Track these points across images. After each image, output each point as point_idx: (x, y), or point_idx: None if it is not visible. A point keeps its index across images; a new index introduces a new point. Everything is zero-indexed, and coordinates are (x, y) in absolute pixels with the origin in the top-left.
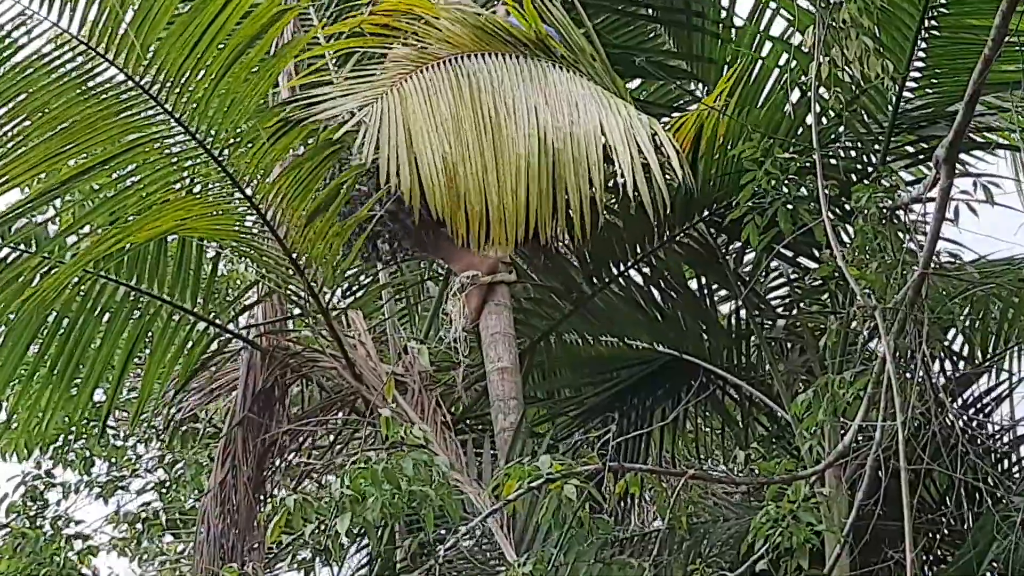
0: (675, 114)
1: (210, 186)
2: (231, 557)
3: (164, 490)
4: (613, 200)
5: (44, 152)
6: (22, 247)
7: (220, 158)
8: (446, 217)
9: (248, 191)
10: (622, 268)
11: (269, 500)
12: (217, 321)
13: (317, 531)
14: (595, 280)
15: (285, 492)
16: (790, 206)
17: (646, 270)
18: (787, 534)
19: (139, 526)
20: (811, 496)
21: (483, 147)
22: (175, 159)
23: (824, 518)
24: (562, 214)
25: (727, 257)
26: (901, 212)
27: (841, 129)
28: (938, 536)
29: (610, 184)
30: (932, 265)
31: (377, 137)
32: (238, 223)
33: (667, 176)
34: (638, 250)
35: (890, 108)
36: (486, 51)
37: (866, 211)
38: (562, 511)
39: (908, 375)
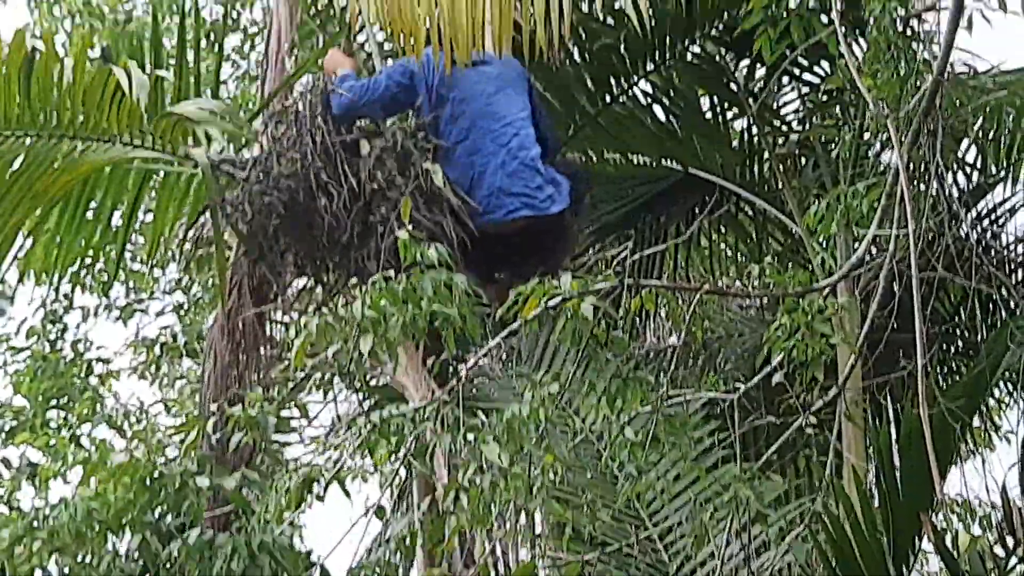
0: None
1: None
2: (240, 385)
3: (183, 312)
4: (610, 18)
5: None
6: None
7: None
8: (385, 26)
9: None
10: (626, 86)
11: (280, 323)
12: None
13: (340, 351)
14: (601, 98)
15: (298, 315)
16: (801, 17)
17: (652, 87)
18: (801, 346)
19: (157, 350)
20: (825, 308)
21: None
22: None
23: (838, 330)
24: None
25: (736, 74)
26: (915, 22)
27: None
28: (952, 347)
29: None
30: (946, 74)
31: None
32: None
33: None
34: (641, 68)
35: None
36: None
37: (880, 21)
38: (578, 329)
39: (921, 186)
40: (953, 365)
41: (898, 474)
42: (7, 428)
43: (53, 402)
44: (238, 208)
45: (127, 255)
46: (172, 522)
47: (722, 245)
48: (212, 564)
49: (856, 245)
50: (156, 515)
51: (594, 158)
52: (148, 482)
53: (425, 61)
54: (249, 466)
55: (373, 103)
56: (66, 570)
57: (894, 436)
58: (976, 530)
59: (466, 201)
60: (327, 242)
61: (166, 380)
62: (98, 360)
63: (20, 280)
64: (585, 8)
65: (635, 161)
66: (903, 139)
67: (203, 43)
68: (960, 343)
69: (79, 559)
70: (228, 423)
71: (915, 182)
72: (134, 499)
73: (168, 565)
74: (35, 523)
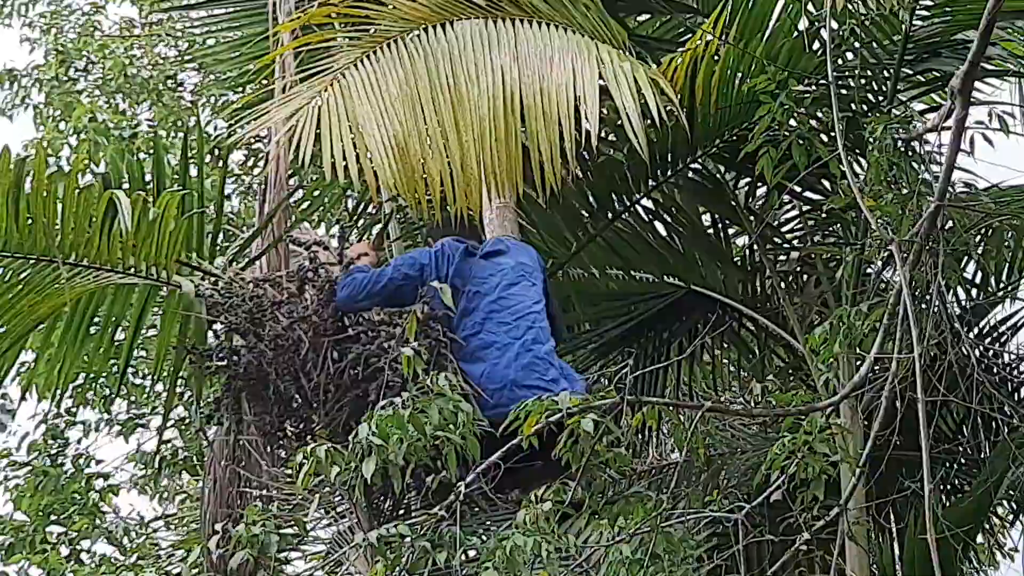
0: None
1: None
2: (241, 503)
3: (184, 427)
4: (613, 137)
5: None
6: None
7: None
8: (402, 191)
9: None
10: (627, 203)
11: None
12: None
13: (343, 474)
14: (603, 214)
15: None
16: (803, 139)
17: (653, 204)
18: (803, 465)
19: (157, 464)
20: (827, 427)
21: (440, 115)
22: None
23: (840, 449)
24: (536, 166)
25: (737, 192)
26: (916, 143)
27: (851, 57)
28: (955, 466)
29: (619, 123)
30: (947, 196)
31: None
32: None
33: (664, 115)
34: (643, 185)
35: (899, 37)
36: (448, 20)
37: (881, 142)
38: (579, 445)
39: (924, 306)
40: (956, 482)
41: None
42: (6, 544)
43: (53, 517)
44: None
45: (129, 370)
46: None
47: (725, 361)
48: None
49: (858, 364)
50: None
51: (596, 274)
52: None
53: (439, 252)
54: None
55: (374, 295)
56: None
57: (897, 556)
58: None
59: (479, 395)
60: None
61: (166, 495)
62: (98, 476)
63: (23, 396)
64: (587, 126)
65: (637, 277)
66: (905, 259)
67: (207, 159)
68: (963, 460)
69: None
70: (230, 542)
71: (917, 302)
72: None
73: None
74: None
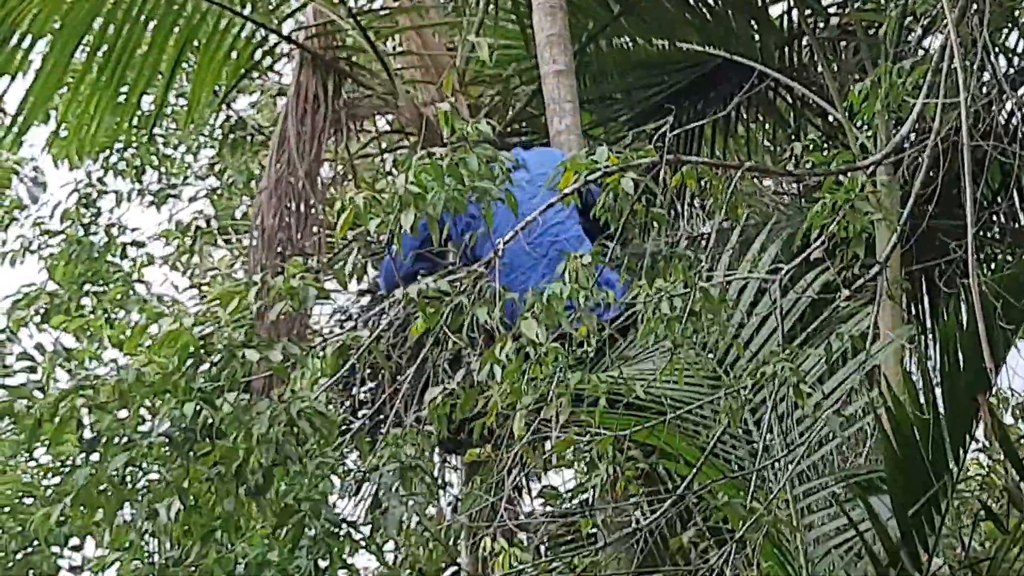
0: None
1: None
2: (286, 255)
3: (216, 196)
4: None
5: None
6: None
7: None
8: None
9: None
10: None
11: (323, 199)
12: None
13: (381, 226)
14: None
15: (350, 190)
16: None
17: None
18: (843, 224)
19: (190, 238)
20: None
21: None
22: None
23: (880, 207)
24: None
25: None
26: None
27: None
28: (988, 234)
29: None
30: None
31: None
32: None
33: None
34: None
35: None
36: None
37: None
38: (618, 204)
39: (967, 62)
40: (989, 251)
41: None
42: (41, 312)
43: (87, 287)
44: None
45: (159, 140)
46: (210, 387)
47: (759, 136)
48: (251, 429)
49: (895, 132)
50: (200, 382)
51: (635, 42)
52: (194, 350)
53: None
54: (288, 336)
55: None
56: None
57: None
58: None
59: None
60: None
61: (198, 271)
62: (133, 243)
63: (54, 163)
64: None
65: (674, 46)
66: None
67: None
68: (998, 230)
69: (118, 419)
70: (270, 293)
71: (962, 59)
72: (179, 365)
73: (206, 430)
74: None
